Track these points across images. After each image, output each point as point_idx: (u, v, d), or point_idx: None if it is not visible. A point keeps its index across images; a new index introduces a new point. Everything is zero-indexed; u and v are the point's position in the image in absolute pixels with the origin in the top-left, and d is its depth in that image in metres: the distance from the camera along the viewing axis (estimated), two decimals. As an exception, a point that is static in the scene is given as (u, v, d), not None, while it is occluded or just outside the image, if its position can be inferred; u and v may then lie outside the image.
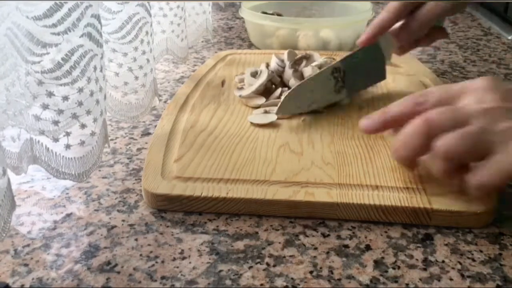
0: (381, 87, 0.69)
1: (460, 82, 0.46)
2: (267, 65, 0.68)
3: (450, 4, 0.59)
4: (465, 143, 0.40)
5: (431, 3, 0.59)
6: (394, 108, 0.48)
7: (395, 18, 0.60)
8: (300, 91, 0.57)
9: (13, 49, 0.40)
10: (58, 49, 0.43)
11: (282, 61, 0.69)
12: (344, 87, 0.60)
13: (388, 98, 0.66)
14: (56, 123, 0.44)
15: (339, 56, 0.80)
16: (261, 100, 0.63)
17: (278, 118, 0.59)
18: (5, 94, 0.40)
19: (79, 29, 0.43)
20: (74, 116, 0.45)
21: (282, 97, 0.57)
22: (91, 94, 0.46)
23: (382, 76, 0.65)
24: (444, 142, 0.41)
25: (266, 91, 0.65)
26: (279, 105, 0.57)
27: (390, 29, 0.62)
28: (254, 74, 0.67)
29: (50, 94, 0.43)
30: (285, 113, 0.58)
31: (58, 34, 0.42)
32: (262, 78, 0.64)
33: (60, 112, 0.44)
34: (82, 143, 0.46)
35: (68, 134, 0.45)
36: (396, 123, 0.47)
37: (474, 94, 0.44)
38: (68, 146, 0.45)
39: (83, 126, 0.46)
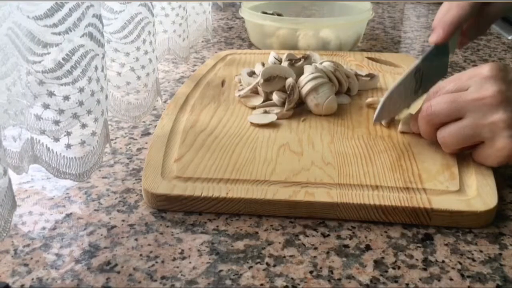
0: (381, 87, 0.69)
1: (470, 69, 0.51)
2: (263, 65, 0.68)
3: None
4: (457, 137, 0.49)
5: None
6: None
7: (469, 15, 0.58)
8: (392, 97, 0.55)
9: (14, 48, 0.40)
10: (59, 49, 0.43)
11: (280, 59, 0.69)
12: (420, 88, 0.58)
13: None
14: (57, 122, 0.44)
15: (339, 56, 0.80)
16: (259, 100, 0.63)
17: (278, 118, 0.59)
18: (6, 93, 0.40)
19: (80, 29, 0.44)
20: (75, 116, 0.45)
21: (379, 106, 0.54)
22: (92, 94, 0.46)
23: (444, 71, 0.62)
24: (442, 135, 0.50)
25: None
26: (376, 114, 0.54)
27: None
28: (251, 74, 0.67)
29: (51, 94, 0.43)
30: (381, 120, 0.58)
31: (59, 34, 0.42)
32: (259, 77, 0.64)
33: (61, 112, 0.44)
34: (82, 143, 0.46)
35: (68, 134, 0.45)
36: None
37: (478, 82, 0.48)
38: (68, 146, 0.45)
39: (84, 126, 0.46)
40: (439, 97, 0.50)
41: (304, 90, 0.61)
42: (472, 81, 0.49)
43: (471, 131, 0.48)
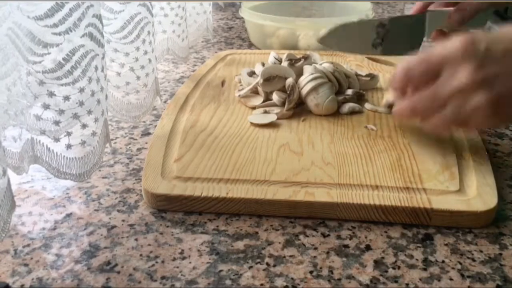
0: (381, 87, 0.69)
1: (438, 49, 0.47)
2: (263, 65, 0.68)
3: None
4: (444, 126, 0.47)
5: None
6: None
7: None
8: (342, 30, 0.56)
9: (15, 49, 0.40)
10: (59, 49, 0.43)
11: (280, 59, 0.69)
12: (381, 45, 0.59)
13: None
14: (57, 123, 0.44)
15: (339, 56, 0.80)
16: (259, 100, 0.63)
17: (278, 118, 0.59)
18: (6, 94, 0.40)
19: (80, 29, 0.44)
20: (75, 116, 0.45)
21: (325, 30, 0.55)
22: (92, 94, 0.46)
23: (415, 50, 0.63)
24: (430, 127, 0.48)
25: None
26: (321, 36, 0.55)
27: (442, 6, 0.62)
28: (251, 74, 0.67)
29: (51, 94, 0.43)
30: (325, 45, 0.57)
31: (59, 34, 0.42)
32: (259, 77, 0.64)
33: (61, 112, 0.44)
34: (83, 143, 0.46)
35: (69, 134, 0.45)
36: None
37: (451, 67, 0.46)
38: (69, 146, 0.45)
39: (84, 126, 0.46)
40: (416, 96, 0.48)
41: (304, 91, 0.61)
42: (445, 67, 0.46)
43: (456, 117, 0.46)
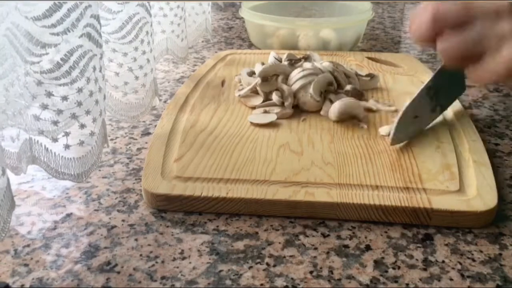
0: (381, 87, 0.69)
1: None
2: (263, 64, 0.68)
3: None
4: (461, 46, 0.45)
5: None
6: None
7: None
8: (405, 118, 0.55)
9: (12, 49, 0.40)
10: (57, 49, 0.43)
11: (280, 59, 0.69)
12: (437, 105, 0.58)
13: (389, 98, 0.66)
14: (55, 123, 0.44)
15: (339, 56, 0.80)
16: (259, 100, 0.63)
17: (278, 118, 0.59)
18: (4, 94, 0.40)
19: (78, 29, 0.43)
20: (73, 116, 0.45)
21: (392, 129, 0.54)
22: (90, 94, 0.46)
23: (463, 87, 0.62)
24: (445, 44, 0.46)
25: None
26: (391, 136, 0.54)
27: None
28: (251, 74, 0.67)
29: (49, 94, 0.43)
30: (398, 143, 0.54)
31: (57, 34, 0.42)
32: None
33: (59, 112, 0.44)
34: (81, 143, 0.46)
35: (67, 134, 0.45)
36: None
37: (490, 16, 0.45)
38: (67, 146, 0.45)
39: (82, 126, 0.46)
40: (448, 1, 0.46)
41: (294, 88, 0.61)
42: (481, 11, 0.45)
43: (477, 38, 0.44)
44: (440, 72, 0.57)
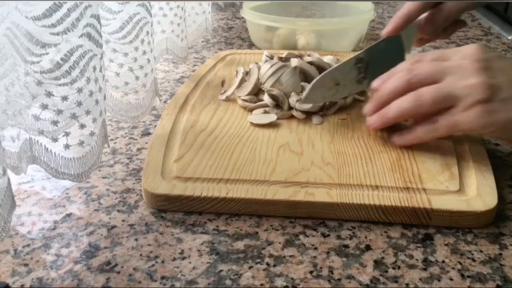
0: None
1: (455, 48, 0.52)
2: (257, 65, 0.68)
3: None
4: (433, 97, 0.48)
5: None
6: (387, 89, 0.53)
7: (421, 10, 0.60)
8: (324, 80, 0.57)
9: (13, 49, 0.40)
10: (57, 49, 0.43)
11: (272, 56, 0.69)
12: (366, 78, 0.59)
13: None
14: (55, 123, 0.44)
15: (340, 56, 0.80)
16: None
17: (278, 118, 0.59)
18: (4, 94, 0.40)
19: (78, 29, 0.43)
20: (73, 116, 0.45)
21: (308, 87, 0.56)
22: (91, 94, 0.46)
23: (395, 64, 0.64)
24: (419, 93, 0.49)
25: (259, 90, 0.65)
26: (304, 94, 0.56)
27: (414, 21, 0.61)
28: (246, 74, 0.67)
29: (49, 94, 0.43)
30: (311, 102, 0.57)
31: (57, 34, 0.42)
32: (254, 76, 0.64)
33: (59, 112, 0.44)
34: (81, 143, 0.46)
35: (67, 134, 0.45)
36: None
37: (460, 54, 0.50)
38: (67, 146, 0.45)
39: (82, 126, 0.46)
40: (422, 63, 0.51)
41: (267, 87, 0.61)
42: (455, 54, 0.50)
43: (447, 91, 0.48)
44: (375, 47, 0.59)
